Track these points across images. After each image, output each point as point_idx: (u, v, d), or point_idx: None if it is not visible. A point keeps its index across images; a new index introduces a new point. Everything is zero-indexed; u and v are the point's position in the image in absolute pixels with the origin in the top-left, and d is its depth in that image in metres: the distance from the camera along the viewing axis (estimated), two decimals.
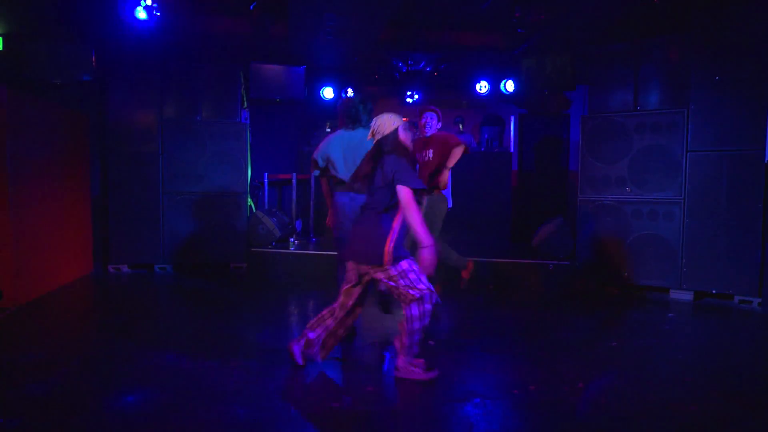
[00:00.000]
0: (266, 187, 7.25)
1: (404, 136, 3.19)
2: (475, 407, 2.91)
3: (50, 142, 5.50)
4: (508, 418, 2.88)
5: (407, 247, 3.45)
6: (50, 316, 4.70)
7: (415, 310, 3.07)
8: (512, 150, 8.15)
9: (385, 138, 3.16)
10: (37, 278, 5.16)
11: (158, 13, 5.54)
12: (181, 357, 3.62)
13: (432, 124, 4.94)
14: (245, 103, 6.90)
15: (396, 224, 3.11)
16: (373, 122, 3.23)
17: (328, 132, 8.62)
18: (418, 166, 4.97)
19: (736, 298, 5.12)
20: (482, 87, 8.18)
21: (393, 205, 3.10)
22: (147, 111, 6.38)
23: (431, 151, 4.88)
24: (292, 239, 6.94)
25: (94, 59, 6.12)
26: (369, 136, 3.24)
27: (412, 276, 3.06)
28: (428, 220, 4.88)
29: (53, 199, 5.54)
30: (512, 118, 8.36)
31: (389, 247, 3.03)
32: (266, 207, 7.51)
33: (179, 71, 6.47)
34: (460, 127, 9.11)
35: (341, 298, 3.29)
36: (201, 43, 6.76)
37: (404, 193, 3.02)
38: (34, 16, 5.92)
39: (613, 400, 3.03)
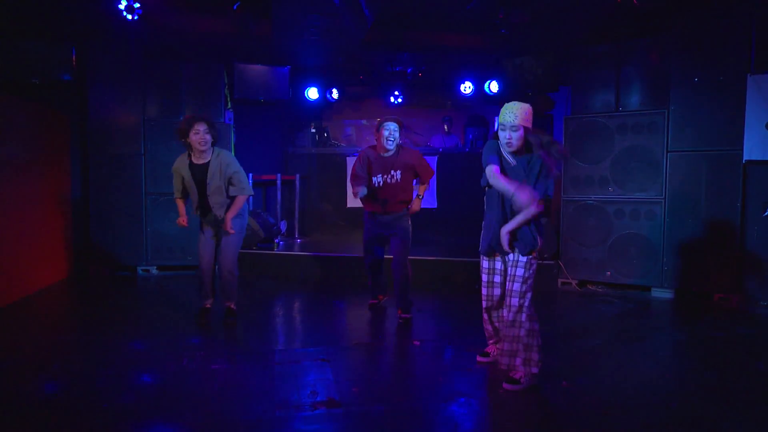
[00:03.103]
0: None
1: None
2: (460, 407, 2.93)
3: (29, 142, 5.41)
4: (493, 417, 2.90)
5: None
6: (29, 320, 4.62)
7: None
8: None
9: None
10: (15, 281, 5.07)
11: (140, 11, 5.47)
12: (163, 360, 3.59)
13: (396, 136, 4.43)
14: (229, 103, 6.86)
15: None
16: None
17: (312, 132, 8.58)
18: (379, 185, 4.46)
19: (716, 296, 5.21)
20: (467, 88, 8.22)
21: None
22: (129, 111, 6.31)
23: (399, 172, 4.46)
24: (277, 240, 6.90)
25: (74, 58, 6.03)
26: None
27: None
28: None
29: (32, 201, 5.45)
30: (496, 119, 8.41)
31: None
32: (251, 208, 7.46)
33: (162, 71, 6.40)
34: (446, 127, 9.14)
35: None
36: (184, 42, 6.68)
37: None
38: (11, 14, 5.81)
39: (595, 398, 3.06)
